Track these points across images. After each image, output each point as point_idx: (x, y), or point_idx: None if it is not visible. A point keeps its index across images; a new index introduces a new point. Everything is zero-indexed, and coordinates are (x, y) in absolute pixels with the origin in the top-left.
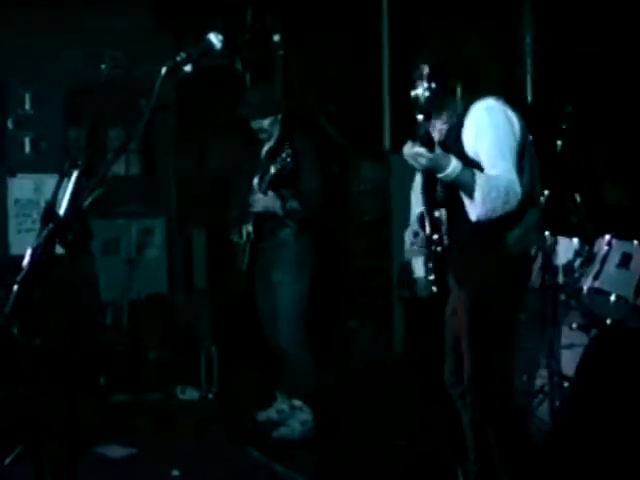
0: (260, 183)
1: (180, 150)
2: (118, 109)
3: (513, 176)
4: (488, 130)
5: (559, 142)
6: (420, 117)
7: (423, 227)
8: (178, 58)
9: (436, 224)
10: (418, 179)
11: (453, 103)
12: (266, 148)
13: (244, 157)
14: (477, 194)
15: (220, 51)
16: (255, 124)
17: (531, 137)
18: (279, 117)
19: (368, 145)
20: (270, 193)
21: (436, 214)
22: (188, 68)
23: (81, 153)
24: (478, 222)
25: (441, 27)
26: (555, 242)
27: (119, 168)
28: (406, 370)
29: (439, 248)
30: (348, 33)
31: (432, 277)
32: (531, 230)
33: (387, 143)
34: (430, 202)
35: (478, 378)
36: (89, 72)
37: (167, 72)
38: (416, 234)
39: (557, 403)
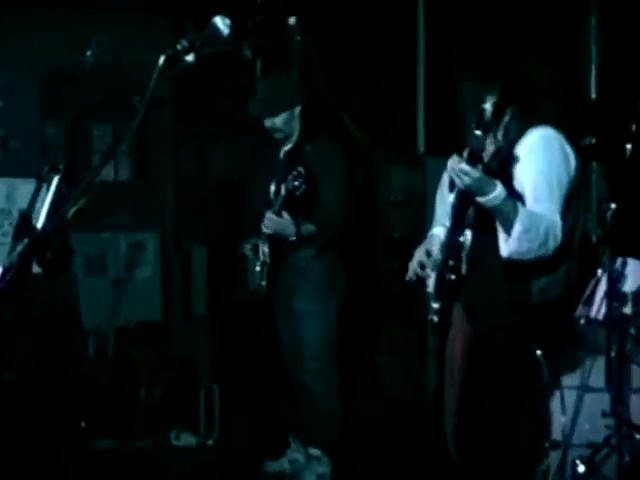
0: (275, 196)
1: (178, 152)
2: (105, 102)
3: (557, 218)
4: (540, 161)
5: (628, 146)
6: (478, 132)
7: (448, 248)
8: (179, 46)
9: (456, 248)
10: (445, 177)
11: (502, 123)
12: (285, 149)
13: (259, 160)
14: (515, 229)
15: (227, 37)
16: (268, 122)
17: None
18: (296, 111)
19: (399, 147)
20: (284, 215)
21: (460, 238)
22: (190, 58)
23: (61, 154)
24: (507, 259)
25: (482, 23)
26: (623, 265)
27: (107, 172)
28: (440, 413)
29: (453, 276)
30: (377, 15)
31: (437, 305)
32: (560, 282)
33: (421, 145)
34: (457, 223)
35: (463, 439)
36: (71, 58)
37: (165, 62)
38: (429, 254)
39: (626, 459)
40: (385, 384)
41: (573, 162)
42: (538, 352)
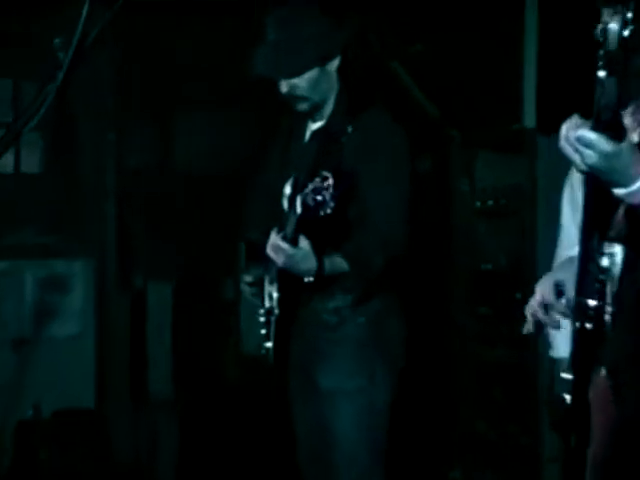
0: (289, 206)
1: (124, 132)
2: (3, 45)
3: None
4: None
5: None
6: (603, 74)
7: (582, 279)
8: None
9: (597, 279)
10: (577, 174)
11: None
12: (313, 127)
13: (269, 143)
14: None
15: None
16: (285, 86)
17: None
18: (331, 67)
19: (490, 125)
20: (301, 243)
21: (603, 261)
22: None
23: None
24: None
25: None
26: None
27: (3, 161)
28: None
29: (588, 324)
30: None
31: (568, 375)
32: None
33: (529, 117)
34: (593, 237)
35: None
36: None
37: None
38: (560, 291)
39: None
40: None
41: None
42: None
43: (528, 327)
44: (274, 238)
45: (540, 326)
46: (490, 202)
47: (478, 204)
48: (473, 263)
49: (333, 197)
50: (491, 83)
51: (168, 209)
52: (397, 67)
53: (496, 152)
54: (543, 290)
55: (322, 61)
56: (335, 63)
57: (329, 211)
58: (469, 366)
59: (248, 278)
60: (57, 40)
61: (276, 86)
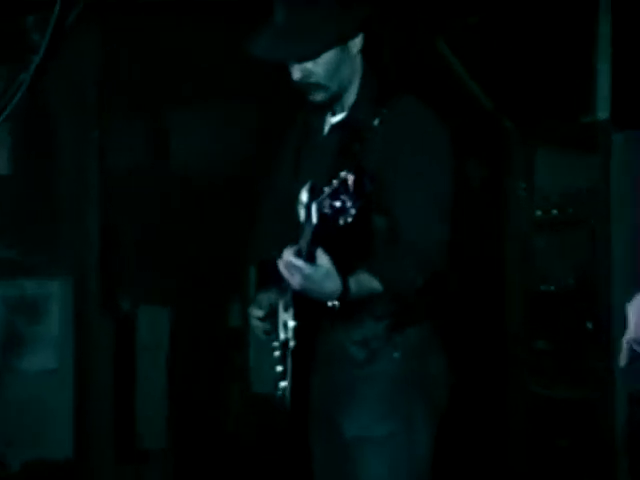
0: (306, 216)
1: (110, 128)
2: None
3: None
4: None
5: None
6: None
7: None
8: None
9: None
10: None
11: None
12: (332, 121)
13: (281, 144)
14: None
15: None
16: (297, 72)
17: None
18: (353, 49)
19: (554, 117)
20: (320, 258)
21: None
22: None
23: None
24: None
25: None
26: None
27: None
28: None
29: None
30: None
31: None
32: None
33: (602, 110)
34: None
35: None
36: None
37: None
38: None
39: None
40: None
41: None
42: None
43: (623, 360)
44: (287, 255)
45: (637, 358)
46: (554, 211)
47: (539, 213)
48: (532, 284)
49: (355, 202)
50: (556, 66)
51: (162, 218)
52: (442, 46)
53: (561, 150)
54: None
55: (341, 40)
56: (357, 43)
57: (350, 219)
58: (526, 410)
59: (258, 312)
60: (31, 18)
61: (285, 75)
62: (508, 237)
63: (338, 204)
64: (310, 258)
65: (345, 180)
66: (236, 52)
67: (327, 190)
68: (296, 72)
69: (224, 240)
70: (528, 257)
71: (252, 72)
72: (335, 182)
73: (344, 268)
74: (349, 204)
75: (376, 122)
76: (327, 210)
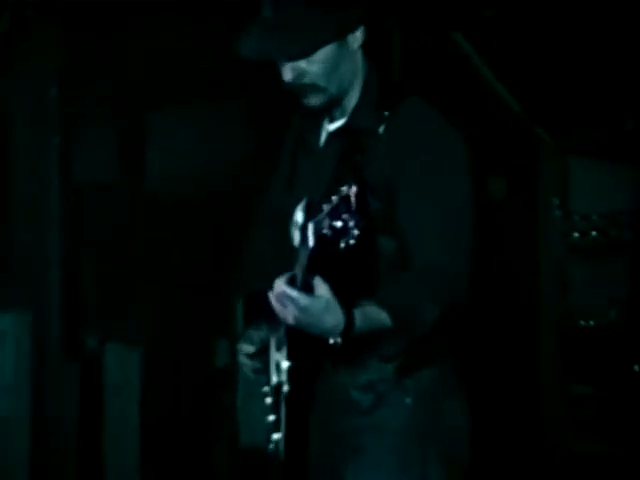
0: (302, 239)
1: (77, 134)
2: None
3: None
4: None
5: None
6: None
7: None
8: None
9: None
10: None
11: None
12: (330, 128)
13: (271, 155)
14: None
15: None
16: (289, 72)
17: None
18: (353, 44)
19: (593, 124)
20: (318, 287)
21: None
22: None
23: None
24: None
25: None
26: None
27: None
28: None
29: None
30: None
31: None
32: None
33: None
34: None
35: None
36: None
37: None
38: None
39: None
40: None
41: None
42: None
43: None
44: (279, 284)
45: None
46: (593, 233)
47: (575, 235)
48: (568, 318)
49: (358, 222)
50: (593, 65)
51: (134, 242)
52: (460, 41)
53: (600, 162)
54: None
55: (339, 34)
56: (358, 37)
57: (353, 242)
58: (564, 469)
59: (249, 348)
60: None
61: (275, 75)
62: (540, 264)
63: (339, 224)
64: (306, 287)
65: (347, 196)
66: (220, 50)
67: (326, 208)
68: (288, 72)
69: (207, 268)
70: (563, 287)
71: (240, 72)
72: (335, 198)
73: (346, 299)
74: (351, 224)
75: (381, 129)
76: (326, 231)
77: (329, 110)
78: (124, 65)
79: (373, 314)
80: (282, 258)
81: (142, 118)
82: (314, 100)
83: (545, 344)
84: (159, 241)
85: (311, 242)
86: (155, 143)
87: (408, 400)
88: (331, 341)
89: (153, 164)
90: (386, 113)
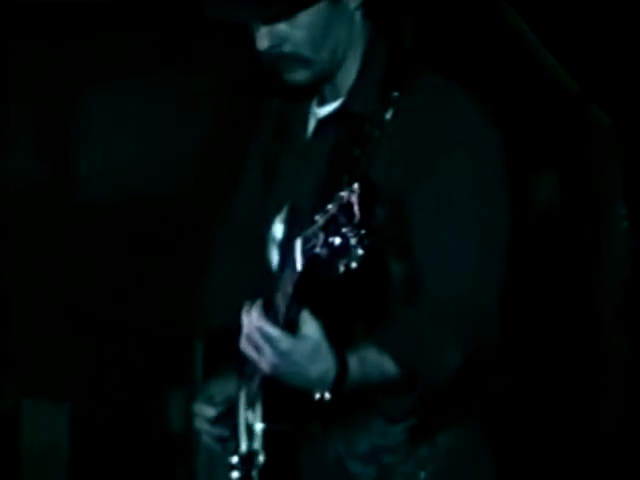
0: (281, 262)
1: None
2: None
3: None
4: None
5: None
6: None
7: None
8: None
9: None
10: None
11: None
12: (320, 113)
13: (240, 150)
14: None
15: None
16: (264, 40)
17: None
18: (350, 4)
19: None
20: (307, 326)
21: None
22: None
23: None
24: None
25: None
26: None
27: None
28: None
29: None
30: None
31: None
32: None
33: None
34: None
35: None
36: None
37: None
38: None
39: None
40: None
41: None
42: None
43: None
44: (254, 318)
45: None
46: None
47: None
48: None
49: (362, 238)
50: None
51: (63, 262)
52: (505, 6)
53: None
54: None
55: None
56: None
57: (355, 264)
58: None
59: (208, 411)
60: None
61: (249, 43)
62: (602, 290)
63: (337, 241)
64: (289, 325)
65: (348, 204)
66: (172, 14)
67: (319, 220)
68: (264, 39)
69: (157, 299)
70: (633, 321)
71: (201, 38)
72: (332, 207)
73: (341, 340)
74: (353, 241)
75: (389, 114)
76: (319, 250)
77: (317, 89)
78: (53, 33)
79: (374, 361)
80: (255, 285)
81: (68, 101)
82: (298, 75)
83: (610, 394)
84: (90, 263)
85: (299, 264)
86: (85, 133)
87: (422, 474)
88: (318, 395)
89: (81, 160)
90: (395, 94)
